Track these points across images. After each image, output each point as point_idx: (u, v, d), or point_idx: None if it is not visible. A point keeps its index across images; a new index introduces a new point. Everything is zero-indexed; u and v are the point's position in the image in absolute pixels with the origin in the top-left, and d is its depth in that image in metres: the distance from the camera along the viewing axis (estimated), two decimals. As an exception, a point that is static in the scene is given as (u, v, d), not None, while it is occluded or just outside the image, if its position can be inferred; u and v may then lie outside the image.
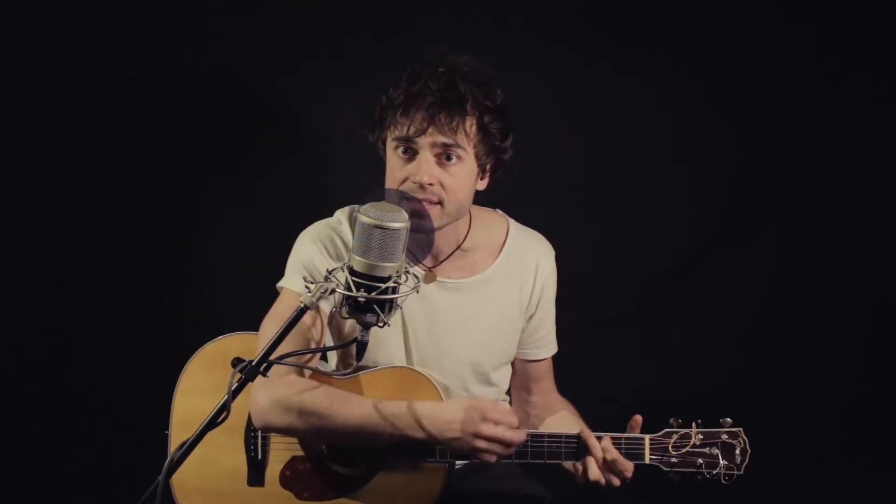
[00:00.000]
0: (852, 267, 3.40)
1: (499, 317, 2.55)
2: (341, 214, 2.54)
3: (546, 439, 2.36)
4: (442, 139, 2.35)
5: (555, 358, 2.68)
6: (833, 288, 3.42)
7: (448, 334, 2.51)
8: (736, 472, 2.35)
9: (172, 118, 3.35)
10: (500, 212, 2.64)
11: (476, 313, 2.52)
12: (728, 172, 3.41)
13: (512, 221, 2.62)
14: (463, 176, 2.39)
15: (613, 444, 2.34)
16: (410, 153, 2.37)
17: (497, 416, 2.29)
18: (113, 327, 3.35)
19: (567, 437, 2.37)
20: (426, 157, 2.35)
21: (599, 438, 2.34)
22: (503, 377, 2.63)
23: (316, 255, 2.45)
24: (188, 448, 1.97)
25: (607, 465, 2.33)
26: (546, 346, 2.65)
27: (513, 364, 2.65)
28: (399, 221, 1.99)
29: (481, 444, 2.28)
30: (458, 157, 2.37)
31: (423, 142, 2.35)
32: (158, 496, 1.92)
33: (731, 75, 3.36)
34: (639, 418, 2.37)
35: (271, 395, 2.34)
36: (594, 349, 3.38)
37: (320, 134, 3.35)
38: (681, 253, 3.43)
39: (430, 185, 2.35)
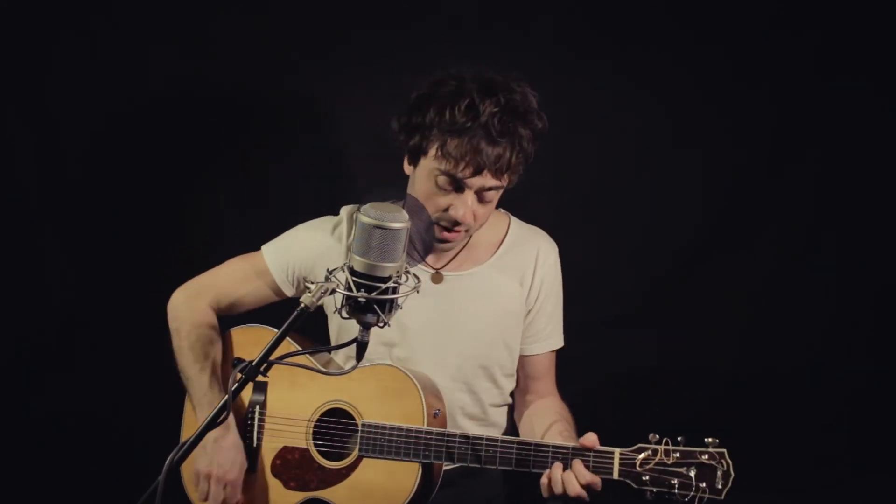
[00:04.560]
0: (853, 266, 3.40)
1: (499, 310, 2.56)
2: (345, 212, 2.60)
3: (516, 446, 2.32)
4: (492, 183, 2.37)
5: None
6: (834, 288, 3.41)
7: (448, 328, 2.51)
8: (714, 497, 2.16)
9: (175, 121, 3.35)
10: (502, 210, 2.64)
11: (475, 307, 2.54)
12: (729, 172, 3.40)
13: (514, 218, 2.64)
14: (494, 203, 2.45)
15: (583, 457, 2.25)
16: (454, 186, 2.38)
17: (225, 479, 2.49)
18: (114, 330, 3.35)
19: (537, 444, 2.31)
20: (472, 197, 2.38)
21: (568, 462, 2.25)
22: (509, 378, 2.63)
23: (303, 258, 2.57)
24: (188, 449, 1.98)
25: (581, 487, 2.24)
26: (543, 340, 2.62)
27: None
28: (399, 221, 1.99)
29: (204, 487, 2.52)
30: (497, 196, 2.43)
31: (473, 183, 2.36)
32: (158, 496, 1.92)
33: (732, 75, 3.35)
34: (592, 436, 2.27)
35: (183, 300, 2.65)
36: (594, 349, 3.37)
37: (324, 134, 3.35)
38: (682, 253, 3.42)
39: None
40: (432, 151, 2.38)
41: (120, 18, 3.30)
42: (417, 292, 2.07)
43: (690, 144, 3.39)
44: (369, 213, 1.98)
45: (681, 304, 3.43)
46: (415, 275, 2.12)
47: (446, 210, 2.39)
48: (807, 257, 3.42)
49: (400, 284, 2.02)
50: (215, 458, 2.49)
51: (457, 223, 2.40)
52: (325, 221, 2.61)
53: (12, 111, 3.30)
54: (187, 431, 2.62)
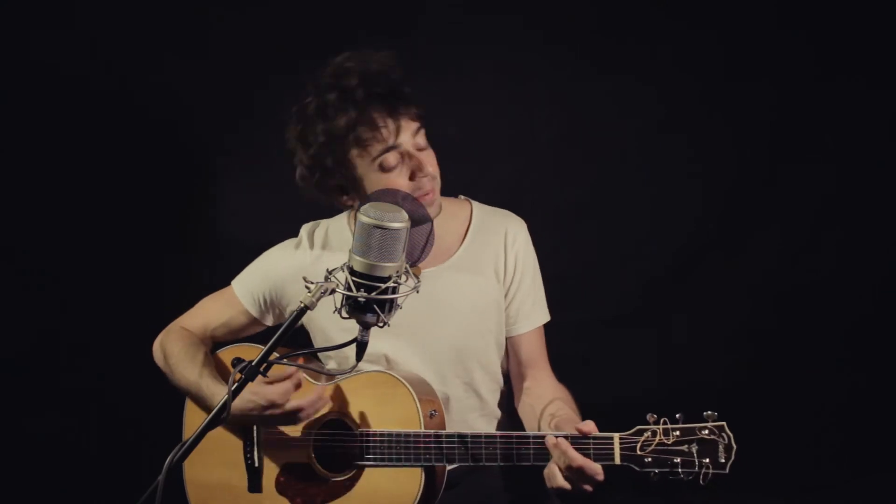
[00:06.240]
0: (852, 266, 3.40)
1: (479, 297, 2.54)
2: (304, 231, 2.61)
3: (514, 440, 2.28)
4: (415, 124, 2.38)
5: (554, 356, 2.67)
6: (833, 287, 3.42)
7: (431, 324, 2.51)
8: (718, 472, 2.12)
9: (173, 121, 3.36)
10: (462, 196, 2.64)
11: (455, 298, 2.52)
12: (728, 172, 3.41)
13: (475, 203, 2.62)
14: (432, 152, 2.43)
15: (583, 445, 2.19)
16: (396, 160, 2.37)
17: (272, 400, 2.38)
18: (114, 332, 3.35)
19: (535, 437, 2.27)
20: (413, 150, 2.38)
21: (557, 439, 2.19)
22: (500, 366, 2.62)
23: (272, 285, 2.57)
24: (188, 449, 1.97)
25: (574, 472, 2.17)
26: (527, 317, 2.58)
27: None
28: (399, 221, 1.99)
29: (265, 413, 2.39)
30: (425, 137, 2.41)
31: (405, 138, 2.37)
32: (158, 496, 1.92)
33: (731, 75, 3.36)
34: (590, 423, 2.21)
35: (162, 335, 2.61)
36: (594, 348, 3.38)
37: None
38: (681, 253, 3.43)
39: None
40: (357, 159, 2.38)
41: (120, 18, 3.31)
42: (417, 292, 2.06)
43: (690, 144, 3.39)
44: (369, 213, 1.98)
45: (681, 304, 3.44)
46: (414, 274, 2.12)
47: (413, 178, 2.39)
48: (807, 257, 3.42)
49: (400, 284, 2.02)
50: (252, 397, 2.42)
51: (432, 178, 2.39)
52: (287, 245, 2.61)
53: (11, 111, 3.31)
54: (189, 431, 2.61)
